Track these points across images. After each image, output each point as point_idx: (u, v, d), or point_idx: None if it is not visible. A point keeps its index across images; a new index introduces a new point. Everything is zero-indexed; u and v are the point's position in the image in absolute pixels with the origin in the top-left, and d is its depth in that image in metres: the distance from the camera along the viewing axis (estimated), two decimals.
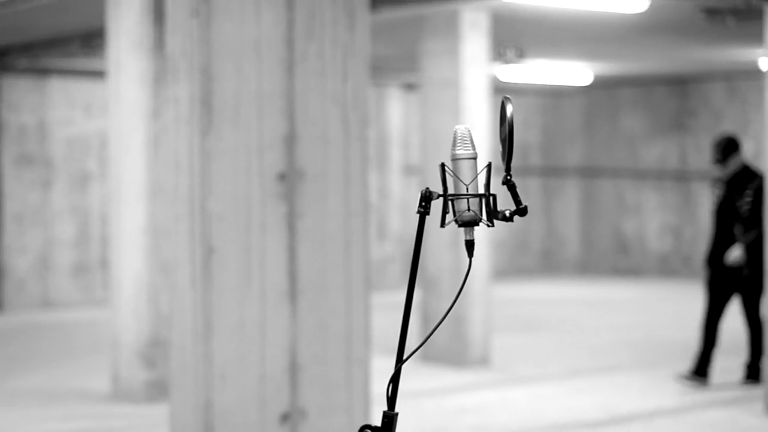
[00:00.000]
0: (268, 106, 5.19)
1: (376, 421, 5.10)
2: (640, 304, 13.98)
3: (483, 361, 9.53)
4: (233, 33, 5.09)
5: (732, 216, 8.13)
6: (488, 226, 2.15)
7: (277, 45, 5.20)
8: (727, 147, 8.14)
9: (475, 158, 2.15)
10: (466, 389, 8.61)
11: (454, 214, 2.15)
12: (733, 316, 9.21)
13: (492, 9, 9.29)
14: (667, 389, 8.29)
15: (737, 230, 8.08)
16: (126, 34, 8.01)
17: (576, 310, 13.45)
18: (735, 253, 8.04)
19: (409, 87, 15.87)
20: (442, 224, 2.15)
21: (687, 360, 8.98)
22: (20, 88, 13.39)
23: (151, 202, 8.04)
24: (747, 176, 8.11)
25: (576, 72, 14.73)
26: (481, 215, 2.15)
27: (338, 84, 5.37)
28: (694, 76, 15.91)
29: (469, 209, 2.13)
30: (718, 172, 8.26)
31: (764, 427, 7.22)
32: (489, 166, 2.16)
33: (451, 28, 9.45)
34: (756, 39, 9.24)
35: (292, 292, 5.25)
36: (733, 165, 8.10)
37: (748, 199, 8.01)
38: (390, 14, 8.19)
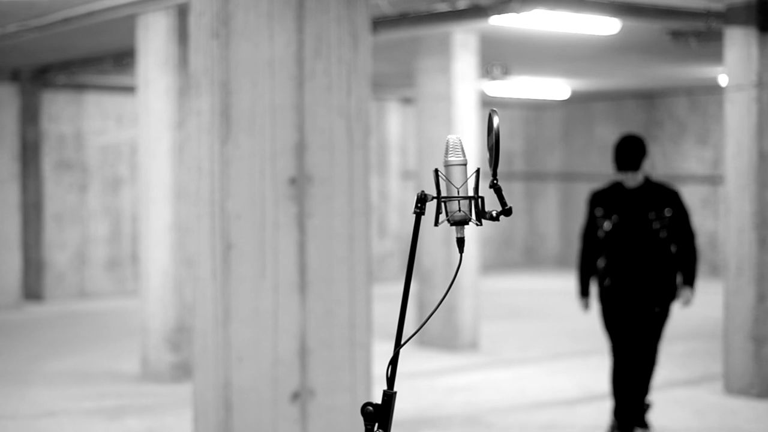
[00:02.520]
0: (281, 118, 5.19)
1: (377, 399, 5.11)
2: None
3: (472, 346, 9.53)
4: (249, 52, 5.09)
5: (639, 239, 5.99)
6: (477, 224, 2.14)
7: (288, 63, 5.20)
8: (643, 150, 5.98)
9: (465, 164, 2.15)
10: (457, 371, 8.61)
11: (447, 214, 2.15)
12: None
13: (480, 31, 9.28)
14: None
15: (646, 257, 6.00)
16: (154, 53, 8.01)
17: (556, 299, 13.44)
18: (687, 295, 6.06)
19: (406, 100, 15.87)
20: (436, 223, 2.15)
21: None
22: (59, 102, 13.38)
23: (176, 203, 8.03)
24: (657, 189, 6.05)
25: (555, 87, 14.73)
26: (471, 215, 2.15)
27: (343, 98, 5.37)
28: (660, 91, 15.90)
29: (460, 210, 2.13)
30: (628, 181, 6.01)
31: (723, 404, 7.22)
32: (478, 171, 2.16)
33: (443, 48, 9.45)
34: (716, 58, 9.23)
35: (302, 284, 5.25)
36: (641, 174, 6.02)
37: (666, 216, 6.00)
38: (389, 35, 8.19)
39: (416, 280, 9.61)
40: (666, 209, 6.01)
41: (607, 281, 6.11)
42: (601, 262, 6.15)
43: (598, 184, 6.12)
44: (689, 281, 6.09)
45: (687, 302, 6.12)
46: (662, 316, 6.09)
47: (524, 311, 12.28)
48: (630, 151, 5.96)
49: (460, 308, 9.45)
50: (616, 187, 6.11)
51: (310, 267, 5.27)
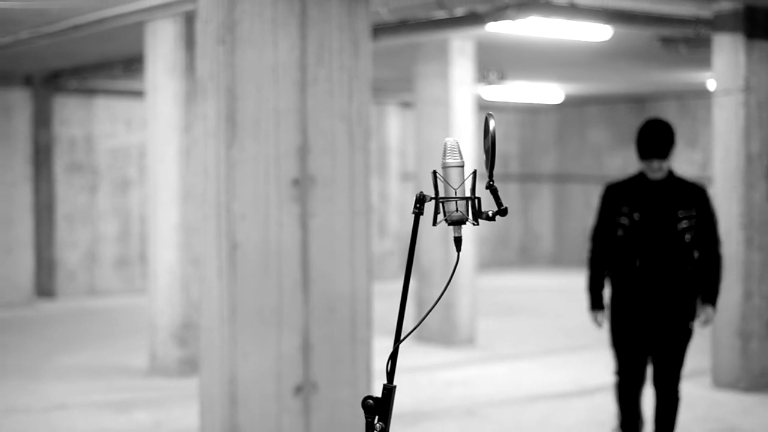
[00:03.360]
0: (284, 122, 5.19)
1: (378, 392, 5.10)
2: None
3: (469, 341, 9.53)
4: (254, 59, 5.09)
5: (663, 240, 4.97)
6: (474, 224, 2.15)
7: (291, 69, 5.20)
8: (672, 136, 4.97)
9: (462, 166, 2.15)
10: (455, 365, 8.61)
11: (445, 215, 2.15)
12: None
13: (477, 37, 9.29)
14: None
15: (670, 262, 4.98)
16: (162, 59, 8.01)
17: (550, 296, 13.44)
18: (709, 314, 5.05)
19: (406, 105, 15.87)
20: (434, 223, 2.15)
21: None
22: (70, 106, 13.38)
23: (183, 204, 8.04)
24: (683, 184, 5.07)
25: (549, 92, 14.73)
26: (468, 215, 2.15)
27: (344, 102, 5.37)
28: (651, 95, 15.90)
29: (457, 210, 2.13)
30: (651, 172, 5.00)
31: (712, 397, 7.22)
32: (474, 173, 2.16)
33: (441, 54, 9.45)
34: (705, 64, 9.24)
35: (305, 281, 5.26)
36: (666, 166, 5.02)
37: (689, 216, 4.99)
38: (389, 42, 8.19)
39: (415, 278, 9.61)
40: (693, 208, 4.99)
41: (621, 290, 5.07)
42: (614, 267, 5.09)
43: (615, 178, 5.35)
44: (711, 298, 5.05)
45: (708, 322, 5.06)
46: (686, 334, 5.05)
47: (519, 308, 12.28)
48: (658, 136, 4.92)
49: (457, 305, 9.45)
50: (638, 180, 5.05)
51: (313, 265, 5.28)
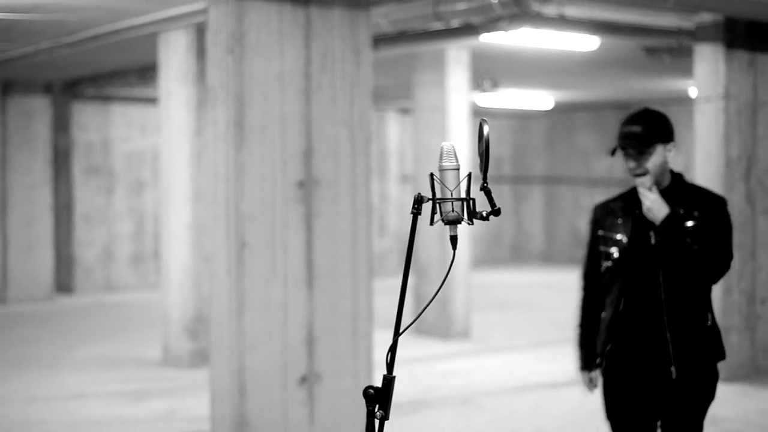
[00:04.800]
0: (290, 127, 5.19)
1: (378, 382, 5.11)
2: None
3: (464, 334, 9.53)
4: (261, 67, 5.09)
5: (664, 271, 3.43)
6: (469, 224, 2.15)
7: (296, 77, 5.20)
8: (665, 124, 3.50)
9: (458, 169, 2.14)
10: (451, 357, 8.60)
11: (441, 215, 2.14)
12: None
13: (472, 47, 9.28)
14: None
15: (674, 300, 3.44)
16: (174, 68, 8.01)
17: (540, 292, 13.43)
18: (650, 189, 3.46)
19: (404, 111, 15.86)
20: (431, 222, 2.15)
21: None
22: (88, 112, 13.38)
23: (194, 204, 8.03)
24: (693, 192, 3.53)
25: (540, 99, 14.72)
26: (463, 215, 2.14)
27: (346, 109, 5.37)
28: (636, 102, 15.89)
29: (453, 210, 2.13)
30: (637, 173, 3.47)
31: None
32: (469, 175, 2.16)
33: (438, 63, 9.45)
34: (687, 72, 9.23)
35: (309, 278, 5.25)
36: (657, 166, 3.47)
37: (696, 232, 3.43)
38: (388, 52, 8.18)
39: (413, 274, 9.60)
40: (702, 221, 3.45)
41: (611, 343, 3.54)
42: (603, 313, 3.62)
43: (603, 196, 3.85)
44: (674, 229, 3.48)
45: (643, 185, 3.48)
46: (703, 392, 3.53)
47: (512, 303, 12.28)
48: (635, 120, 3.47)
49: (453, 300, 9.45)
50: (631, 196, 3.56)
51: (317, 263, 5.27)
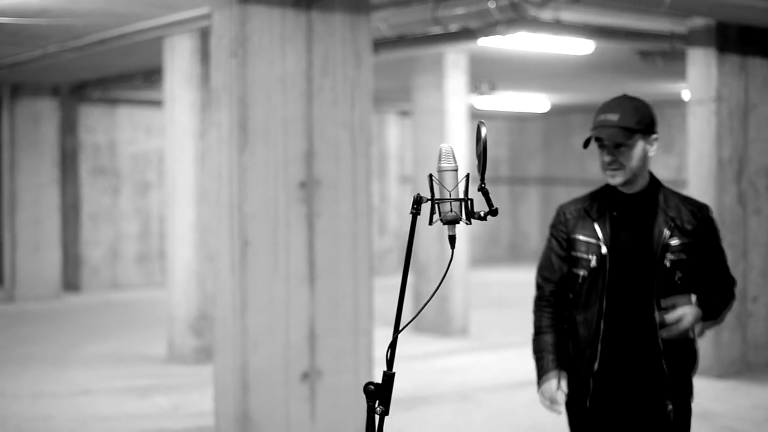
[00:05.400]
0: (292, 129, 5.19)
1: (378, 379, 5.11)
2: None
3: (463, 332, 9.53)
4: (264, 70, 5.09)
5: (640, 284, 2.99)
6: (467, 224, 2.14)
7: (298, 80, 5.20)
8: (646, 112, 3.05)
9: (456, 170, 2.14)
10: (449, 354, 8.60)
11: (440, 215, 2.14)
12: None
13: (470, 51, 9.28)
14: None
15: (650, 319, 2.98)
16: (179, 72, 8.01)
17: None
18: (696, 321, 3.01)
19: (404, 113, 15.87)
20: (430, 222, 2.15)
21: None
22: (95, 115, 13.38)
23: (198, 205, 8.03)
24: (673, 198, 3.10)
25: (536, 101, 14.72)
26: (461, 215, 2.14)
27: (347, 111, 5.37)
28: None
29: (451, 210, 2.13)
30: (607, 169, 3.03)
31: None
32: (467, 176, 2.15)
33: (436, 67, 9.44)
34: (680, 75, 9.23)
35: (311, 277, 5.25)
36: (634, 161, 3.02)
37: (686, 244, 3.03)
38: (388, 55, 8.18)
39: (413, 273, 9.60)
40: (685, 233, 3.01)
41: (580, 366, 3.03)
42: (580, 328, 3.05)
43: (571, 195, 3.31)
44: (710, 311, 3.05)
45: (701, 333, 3.06)
46: (681, 419, 3.02)
47: (508, 301, 12.28)
48: (617, 110, 3.02)
49: (451, 298, 9.45)
50: (603, 195, 3.08)
51: (318, 262, 5.27)
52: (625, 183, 3.01)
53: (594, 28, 7.47)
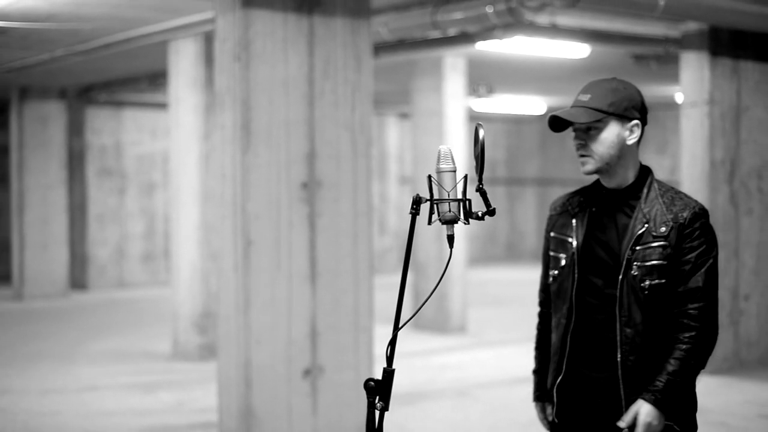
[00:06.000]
0: (294, 131, 5.19)
1: (378, 375, 5.11)
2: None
3: (461, 329, 9.53)
4: (267, 74, 5.09)
5: (604, 297, 2.58)
6: (465, 223, 2.14)
7: (300, 83, 5.20)
8: (633, 93, 2.61)
9: (454, 171, 2.14)
10: (448, 351, 8.60)
11: (439, 215, 2.14)
12: None
13: (468, 54, 9.28)
14: None
15: (615, 338, 2.55)
16: (183, 75, 8.01)
17: (534, 289, 13.37)
18: (647, 414, 2.50)
19: (404, 116, 15.87)
20: (429, 222, 2.15)
21: None
22: (101, 117, 13.38)
23: (203, 205, 8.03)
24: (656, 196, 2.60)
25: (533, 104, 14.72)
26: (460, 215, 2.15)
27: (348, 113, 5.37)
28: None
29: (450, 210, 2.13)
30: (583, 161, 2.62)
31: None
32: (465, 177, 2.15)
33: (435, 70, 9.44)
34: (673, 78, 9.24)
35: (312, 275, 5.25)
36: (607, 150, 2.58)
37: (662, 254, 2.51)
38: (388, 59, 8.19)
39: (412, 271, 9.60)
40: (659, 237, 2.53)
41: (560, 377, 2.68)
42: (552, 335, 2.78)
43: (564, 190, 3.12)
44: (669, 386, 2.54)
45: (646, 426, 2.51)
46: None
47: (506, 299, 12.28)
48: (591, 89, 2.61)
49: (450, 296, 9.45)
50: (591, 190, 2.72)
51: (320, 261, 5.27)
52: (599, 173, 2.61)
53: (589, 32, 7.47)
